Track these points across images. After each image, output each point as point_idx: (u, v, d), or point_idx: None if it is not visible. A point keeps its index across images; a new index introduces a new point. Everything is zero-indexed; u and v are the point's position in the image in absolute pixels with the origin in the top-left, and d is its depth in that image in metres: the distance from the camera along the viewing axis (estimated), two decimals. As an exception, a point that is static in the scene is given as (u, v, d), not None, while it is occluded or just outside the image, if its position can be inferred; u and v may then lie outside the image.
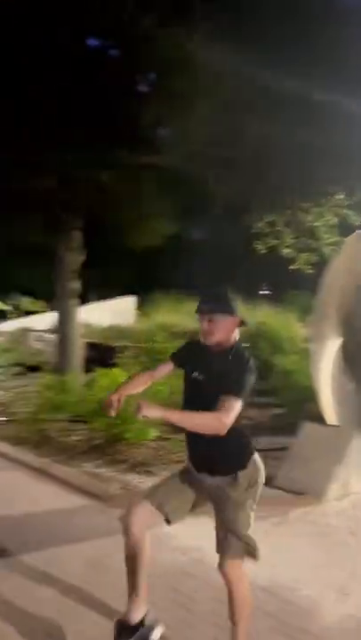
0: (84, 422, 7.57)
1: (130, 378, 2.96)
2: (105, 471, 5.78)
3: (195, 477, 2.58)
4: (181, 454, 6.22)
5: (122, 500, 4.91)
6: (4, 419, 8.31)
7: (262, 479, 2.53)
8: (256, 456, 2.54)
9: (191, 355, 2.59)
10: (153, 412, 2.14)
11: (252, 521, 2.49)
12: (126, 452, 6.40)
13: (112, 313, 16.52)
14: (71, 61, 6.90)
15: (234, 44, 6.54)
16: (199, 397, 2.39)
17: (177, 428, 6.81)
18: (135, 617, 2.53)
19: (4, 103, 6.67)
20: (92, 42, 8.22)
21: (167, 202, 8.86)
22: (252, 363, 2.37)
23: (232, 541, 2.44)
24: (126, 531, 2.49)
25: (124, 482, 5.47)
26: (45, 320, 19.63)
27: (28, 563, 3.63)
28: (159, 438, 6.70)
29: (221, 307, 2.42)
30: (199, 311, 2.45)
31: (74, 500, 4.99)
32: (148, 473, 5.73)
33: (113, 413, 2.55)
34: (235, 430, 2.30)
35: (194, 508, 2.64)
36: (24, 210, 10.54)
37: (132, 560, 2.52)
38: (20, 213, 11.10)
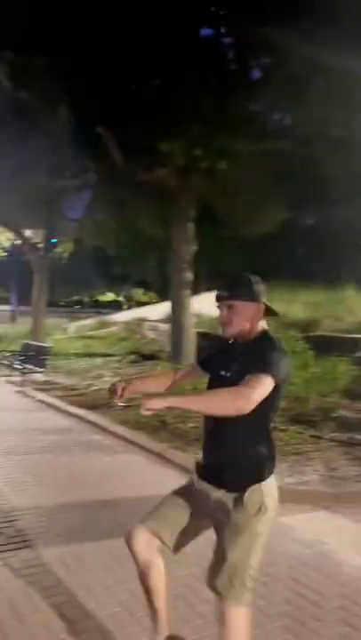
0: (199, 410, 7.70)
1: (151, 375, 2.70)
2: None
3: (196, 493, 2.23)
4: (298, 446, 6.10)
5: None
6: (123, 404, 8.67)
7: (275, 510, 2.11)
8: (273, 480, 2.13)
9: (216, 353, 2.30)
10: (156, 405, 1.85)
11: (254, 560, 2.05)
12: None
13: (222, 303, 16.52)
14: (185, 51, 6.96)
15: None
16: None
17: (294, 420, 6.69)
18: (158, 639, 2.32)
19: (123, 95, 6.91)
20: (206, 31, 8.27)
21: (283, 188, 8.67)
22: (281, 345, 2.04)
23: (223, 578, 2.04)
24: (133, 557, 2.25)
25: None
26: (158, 310, 20.20)
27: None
28: (276, 429, 6.62)
29: (241, 292, 2.11)
30: (217, 299, 2.16)
31: (192, 486, 5.08)
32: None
33: (116, 401, 2.29)
34: (260, 436, 2.06)
35: (197, 534, 2.30)
36: (140, 202, 10.96)
37: (143, 582, 2.26)
38: (135, 205, 11.56)
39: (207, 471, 2.19)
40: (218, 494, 2.11)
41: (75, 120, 7.94)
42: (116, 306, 50.89)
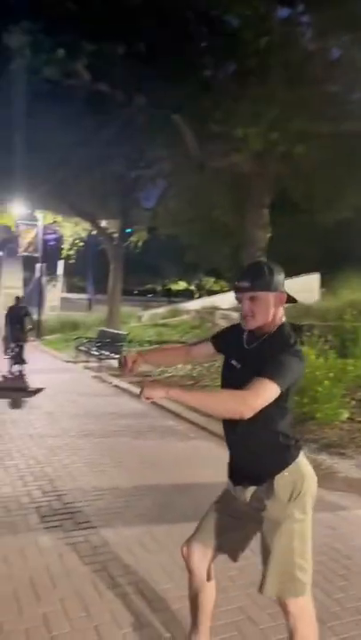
0: (273, 399, 7.63)
1: (163, 348, 2.55)
2: (295, 449, 5.74)
3: (233, 498, 2.17)
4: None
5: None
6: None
7: (313, 489, 2.05)
8: (303, 460, 2.07)
9: (233, 339, 2.17)
10: (157, 393, 1.79)
11: (301, 550, 1.98)
12: (316, 431, 6.28)
13: (296, 291, 16.16)
14: (261, 33, 6.81)
15: None
16: (234, 387, 1.92)
17: None
18: None
19: (198, 81, 6.88)
20: (283, 11, 8.04)
21: (361, 171, 8.32)
22: (296, 346, 1.97)
23: (272, 579, 1.99)
24: (188, 570, 2.25)
25: (315, 462, 5.37)
26: (230, 299, 20.12)
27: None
28: (351, 420, 6.45)
29: (264, 282, 2.01)
30: (237, 290, 2.06)
31: (266, 474, 5.07)
32: (341, 455, 5.54)
33: (125, 372, 2.19)
34: (276, 428, 2.00)
35: (249, 539, 2.22)
36: (214, 189, 10.93)
37: (194, 596, 2.27)
38: (209, 193, 11.54)
39: (234, 472, 2.17)
40: (249, 492, 2.08)
41: (151, 109, 8.00)
42: (187, 294, 51.19)
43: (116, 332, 13.78)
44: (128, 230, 18.13)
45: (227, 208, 11.49)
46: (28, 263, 25.91)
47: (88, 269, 39.25)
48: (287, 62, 6.67)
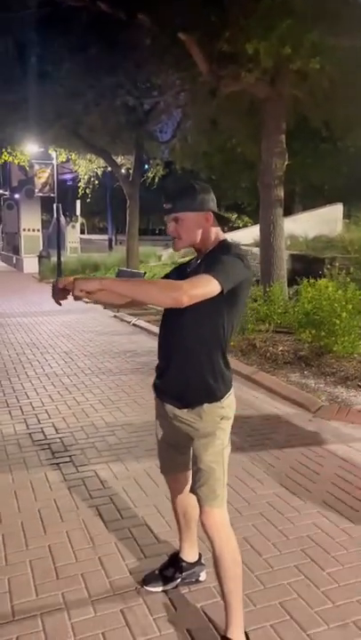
0: (290, 333, 7.51)
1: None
2: (312, 382, 5.66)
3: (165, 424, 2.17)
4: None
5: (330, 412, 4.79)
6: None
7: (230, 418, 2.07)
8: (231, 393, 2.06)
9: (183, 269, 2.10)
10: (90, 285, 1.68)
11: (223, 462, 2.03)
12: (334, 364, 6.17)
13: (318, 223, 15.63)
14: None
15: None
16: (175, 312, 1.83)
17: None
18: (186, 557, 2.43)
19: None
20: None
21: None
22: (240, 253, 1.91)
23: (200, 484, 2.01)
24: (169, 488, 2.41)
25: (332, 394, 5.29)
26: (251, 234, 19.65)
27: (233, 462, 3.78)
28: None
29: (186, 203, 1.94)
30: (163, 212, 1.99)
31: (281, 408, 5.02)
32: (359, 388, 5.45)
33: (56, 299, 1.88)
34: (214, 350, 1.95)
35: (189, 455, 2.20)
36: (229, 118, 10.34)
37: (175, 511, 2.40)
38: (225, 122, 10.93)
39: (164, 390, 2.11)
40: (182, 413, 2.05)
41: (157, 30, 7.43)
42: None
43: (133, 270, 13.64)
44: (144, 166, 17.57)
45: (244, 137, 10.88)
46: (46, 204, 25.58)
47: (107, 209, 38.68)
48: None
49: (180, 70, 8.85)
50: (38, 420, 4.67)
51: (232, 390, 2.06)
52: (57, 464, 3.73)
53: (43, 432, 4.38)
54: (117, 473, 3.59)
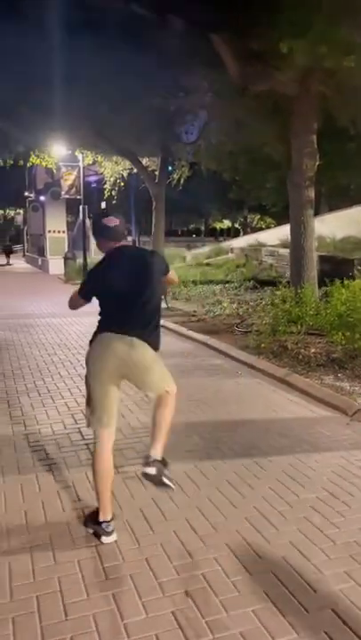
0: (321, 335, 7.43)
1: None
2: (347, 385, 5.59)
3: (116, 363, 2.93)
4: None
5: (368, 416, 4.72)
6: (244, 330, 8.64)
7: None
8: (103, 335, 2.95)
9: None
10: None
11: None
12: (369, 367, 6.09)
13: (346, 223, 15.47)
14: None
15: None
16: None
17: None
18: (152, 453, 2.94)
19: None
20: None
21: None
22: (95, 266, 3.06)
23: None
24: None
25: (368, 397, 5.22)
26: (277, 235, 19.53)
27: (272, 465, 3.76)
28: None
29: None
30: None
31: (317, 411, 4.97)
32: (395, 390, 5.36)
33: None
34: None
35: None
36: (257, 118, 10.27)
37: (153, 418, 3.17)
38: (252, 122, 10.87)
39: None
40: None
41: (187, 30, 7.42)
42: (232, 233, 50.28)
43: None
44: (169, 167, 17.62)
45: (270, 138, 10.80)
46: (71, 206, 25.80)
47: (130, 210, 38.83)
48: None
49: (207, 70, 8.83)
50: (75, 421, 4.70)
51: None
52: (97, 464, 3.74)
53: (80, 432, 4.41)
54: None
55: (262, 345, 7.15)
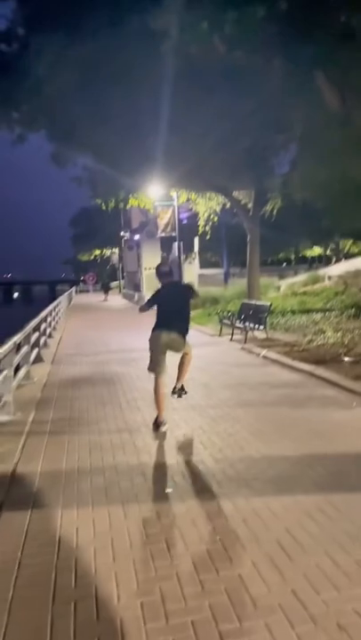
0: None
1: None
2: None
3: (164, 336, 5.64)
4: None
5: None
6: (350, 359, 8.43)
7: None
8: (157, 331, 5.69)
9: None
10: None
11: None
12: None
13: None
14: None
15: None
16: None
17: None
18: (177, 385, 6.13)
19: (341, 29, 6.36)
20: None
21: None
22: (157, 289, 5.91)
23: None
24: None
25: None
26: (376, 260, 18.92)
27: None
28: None
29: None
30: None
31: None
32: None
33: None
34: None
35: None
36: (353, 147, 10.19)
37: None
38: (347, 152, 10.80)
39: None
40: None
41: (289, 68, 7.62)
42: (323, 260, 49.24)
43: (258, 303, 13.70)
44: (262, 200, 17.81)
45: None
46: (165, 242, 26.73)
47: (222, 244, 39.42)
48: None
49: (309, 107, 8.96)
50: (197, 452, 4.82)
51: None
52: (225, 494, 3.82)
53: (203, 463, 4.51)
54: (288, 505, 3.60)
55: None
